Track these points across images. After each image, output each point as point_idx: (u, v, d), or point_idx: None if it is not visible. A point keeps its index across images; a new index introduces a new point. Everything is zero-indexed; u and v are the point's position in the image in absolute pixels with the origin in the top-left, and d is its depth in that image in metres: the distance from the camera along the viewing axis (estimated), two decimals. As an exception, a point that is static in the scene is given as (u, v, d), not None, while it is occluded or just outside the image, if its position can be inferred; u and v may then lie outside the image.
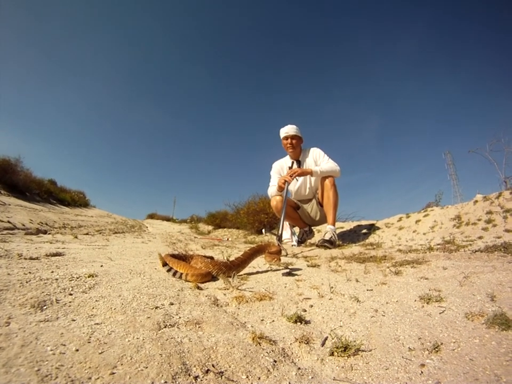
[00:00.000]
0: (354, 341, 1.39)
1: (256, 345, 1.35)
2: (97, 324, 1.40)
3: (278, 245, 4.29)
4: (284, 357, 1.31)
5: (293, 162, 5.67)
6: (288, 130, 5.52)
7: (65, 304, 1.62)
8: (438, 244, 4.09)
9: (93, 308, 1.60)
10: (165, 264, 2.47)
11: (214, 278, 2.57)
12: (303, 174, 5.19)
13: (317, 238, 6.06)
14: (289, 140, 5.50)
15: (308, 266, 3.13)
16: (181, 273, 2.46)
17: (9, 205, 8.36)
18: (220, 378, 1.08)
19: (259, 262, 3.38)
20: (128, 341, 1.25)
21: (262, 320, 1.72)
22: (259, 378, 1.12)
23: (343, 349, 1.33)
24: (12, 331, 1.21)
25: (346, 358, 1.30)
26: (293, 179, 5.09)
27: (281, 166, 5.84)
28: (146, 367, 1.06)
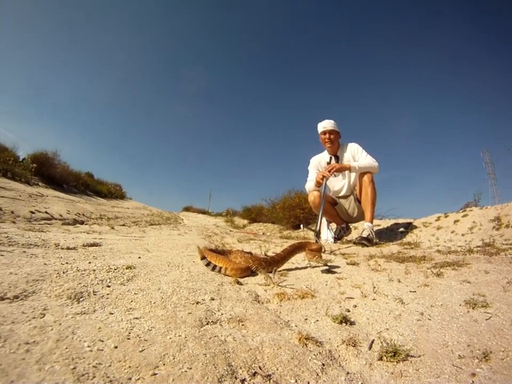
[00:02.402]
0: (403, 346, 1.32)
1: (303, 347, 1.29)
2: (136, 318, 1.35)
3: (316, 241, 4.22)
4: (331, 360, 1.24)
5: (331, 158, 5.55)
6: (326, 125, 5.41)
7: (103, 296, 1.58)
8: (478, 246, 3.96)
9: (132, 301, 1.55)
10: (203, 258, 2.43)
11: (252, 273, 2.53)
12: (342, 169, 5.10)
13: (353, 235, 5.99)
14: (327, 135, 5.40)
15: (347, 264, 3.06)
16: (220, 267, 2.42)
17: (47, 196, 8.49)
18: (267, 382, 1.02)
19: (297, 258, 3.31)
20: (170, 338, 1.19)
21: (306, 319, 1.65)
22: (308, 383, 1.05)
23: (392, 353, 1.25)
24: (46, 324, 1.16)
25: (395, 363, 1.22)
26: (331, 174, 5.00)
27: (319, 161, 5.74)
28: (190, 368, 0.99)
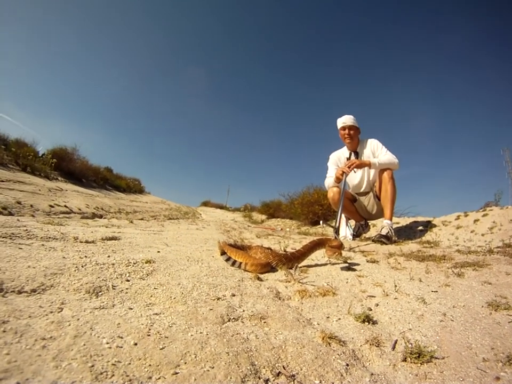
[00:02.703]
0: (427, 347, 1.30)
1: (326, 346, 1.27)
2: (156, 314, 1.33)
3: (335, 238, 4.18)
4: (355, 360, 1.22)
5: (350, 154, 5.46)
6: (345, 120, 5.31)
7: (122, 290, 1.57)
8: (498, 247, 3.89)
9: (151, 296, 1.54)
10: (223, 253, 2.43)
11: (272, 269, 2.51)
12: (361, 165, 4.99)
13: (372, 232, 5.93)
14: (346, 130, 5.31)
15: (367, 261, 3.03)
16: (240, 263, 2.41)
17: (66, 190, 8.55)
18: (292, 382, 0.99)
19: (317, 255, 3.29)
20: (191, 335, 1.17)
21: (328, 317, 1.63)
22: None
23: (416, 355, 1.23)
24: (64, 318, 1.14)
25: (419, 365, 1.20)
26: (351, 170, 4.91)
27: (339, 157, 5.66)
28: (213, 367, 0.97)
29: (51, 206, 5.64)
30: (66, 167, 12.41)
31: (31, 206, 5.20)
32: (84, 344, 0.97)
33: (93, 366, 0.87)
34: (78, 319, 1.15)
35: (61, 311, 1.22)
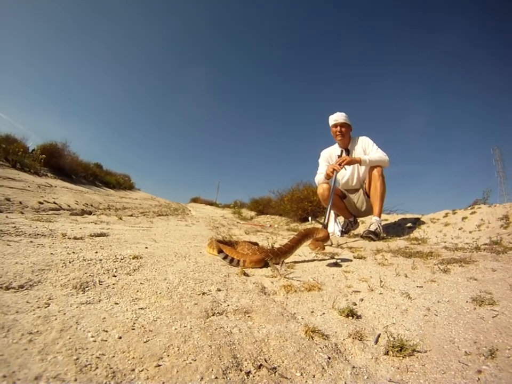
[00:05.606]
0: (410, 341, 1.32)
1: (309, 340, 1.28)
2: (141, 308, 1.35)
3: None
4: (337, 353, 1.24)
5: (342, 151, 5.46)
6: (337, 117, 5.31)
7: (109, 286, 1.58)
8: (485, 244, 3.92)
9: (137, 291, 1.55)
10: (220, 251, 2.42)
11: (265, 264, 2.53)
12: (352, 162, 5.00)
13: (361, 229, 5.95)
14: (338, 128, 5.30)
15: (354, 257, 3.05)
16: (238, 260, 2.43)
17: (56, 186, 8.49)
18: (273, 375, 1.01)
19: (304, 251, 3.31)
20: (175, 329, 1.18)
21: (312, 312, 1.65)
22: (314, 377, 1.05)
23: (398, 348, 1.25)
24: (51, 313, 1.16)
25: (401, 358, 1.22)
26: (341, 168, 4.92)
27: (330, 154, 5.67)
28: (195, 360, 0.99)
29: (40, 203, 5.61)
30: (56, 163, 12.33)
31: (20, 202, 5.18)
32: (70, 338, 0.99)
33: (77, 359, 0.89)
34: (65, 314, 1.17)
35: (48, 306, 1.23)
